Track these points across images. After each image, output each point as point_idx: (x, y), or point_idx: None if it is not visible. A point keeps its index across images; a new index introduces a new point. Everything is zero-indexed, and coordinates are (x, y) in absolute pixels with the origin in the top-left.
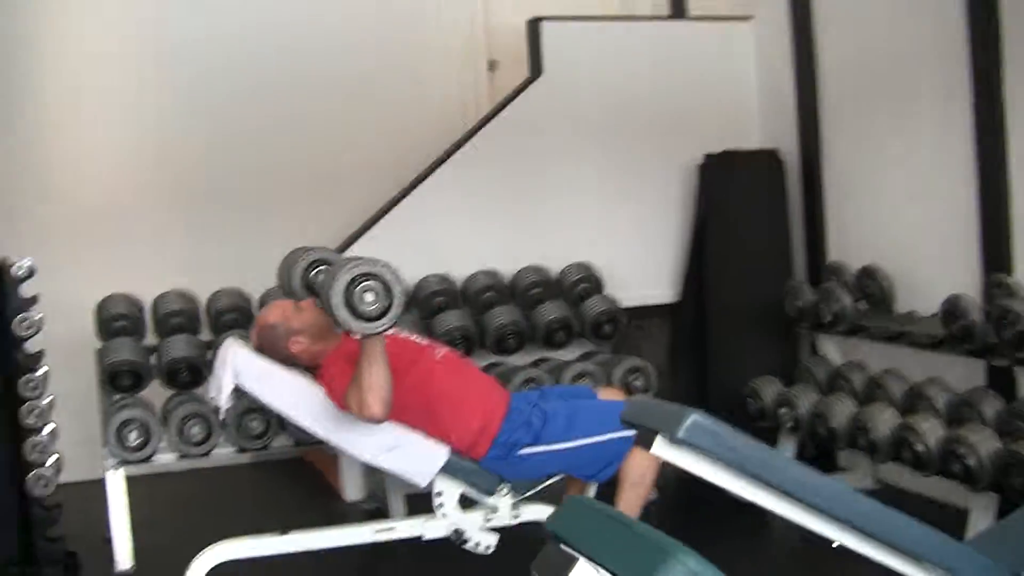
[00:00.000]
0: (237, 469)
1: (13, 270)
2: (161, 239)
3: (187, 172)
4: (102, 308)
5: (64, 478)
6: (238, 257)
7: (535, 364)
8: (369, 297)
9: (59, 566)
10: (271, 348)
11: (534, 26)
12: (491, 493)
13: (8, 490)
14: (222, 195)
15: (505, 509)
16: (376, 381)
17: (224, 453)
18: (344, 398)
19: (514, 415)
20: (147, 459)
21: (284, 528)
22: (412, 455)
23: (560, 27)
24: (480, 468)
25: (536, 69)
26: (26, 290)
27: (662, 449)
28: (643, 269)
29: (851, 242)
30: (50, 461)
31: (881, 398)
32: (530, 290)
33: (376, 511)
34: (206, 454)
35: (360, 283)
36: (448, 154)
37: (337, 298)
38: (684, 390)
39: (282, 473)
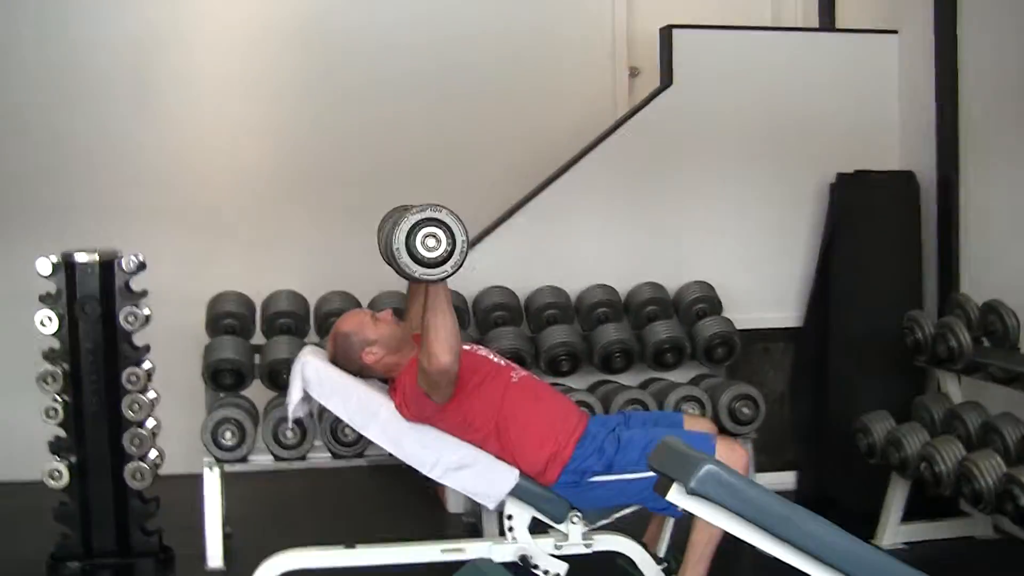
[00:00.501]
0: (345, 471)
1: (124, 263)
2: (282, 237)
3: (310, 170)
4: (213, 305)
5: (172, 471)
6: (356, 260)
7: (643, 385)
8: (431, 243)
9: (153, 559)
10: (345, 358)
11: (666, 34)
12: (561, 520)
13: (106, 481)
14: (345, 195)
15: (576, 537)
16: (443, 331)
17: (320, 457)
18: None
19: (588, 441)
20: (242, 459)
21: (351, 542)
22: (480, 476)
23: (693, 35)
24: (551, 494)
25: (667, 78)
26: (135, 283)
27: (677, 497)
28: (769, 290)
29: (984, 275)
30: (152, 454)
31: (993, 443)
32: (644, 307)
33: (472, 527)
34: (301, 458)
35: (422, 229)
36: (573, 162)
37: (399, 244)
38: (799, 420)
39: (389, 477)
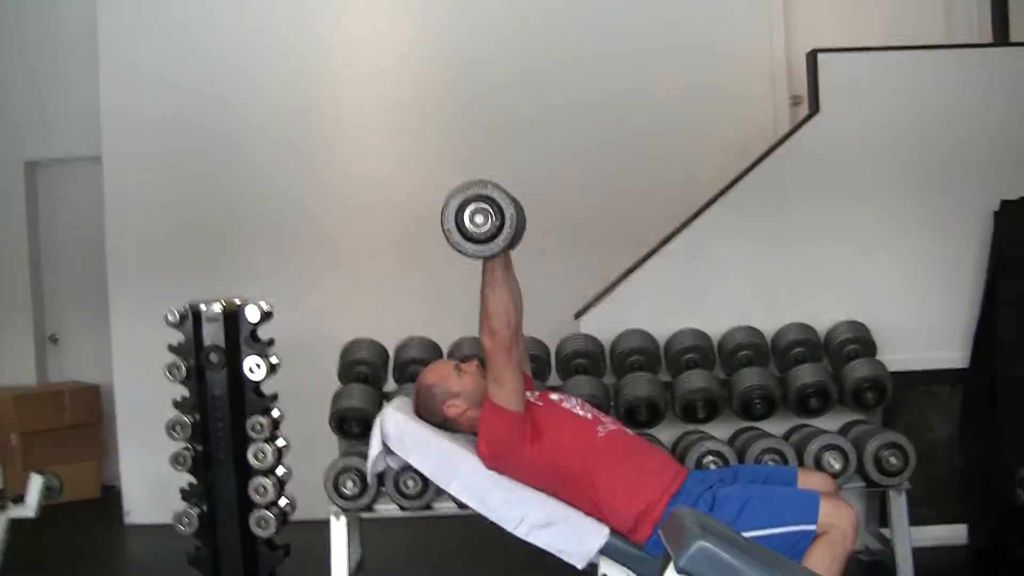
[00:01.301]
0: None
1: (248, 312)
2: (421, 282)
3: None
4: (345, 352)
5: (311, 516)
6: None
7: (787, 434)
8: (479, 219)
9: None
10: (428, 411)
11: (811, 59)
12: None
13: (234, 529)
14: None
15: None
16: (500, 305)
17: (444, 507)
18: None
19: (682, 498)
20: (366, 508)
21: None
22: (568, 533)
23: (840, 59)
24: (643, 553)
25: (814, 104)
26: (264, 332)
27: (671, 574)
28: (929, 327)
29: None
30: (282, 502)
31: None
32: (791, 349)
33: None
34: (426, 507)
35: (469, 206)
36: (718, 195)
37: (449, 224)
38: (968, 469)
39: None
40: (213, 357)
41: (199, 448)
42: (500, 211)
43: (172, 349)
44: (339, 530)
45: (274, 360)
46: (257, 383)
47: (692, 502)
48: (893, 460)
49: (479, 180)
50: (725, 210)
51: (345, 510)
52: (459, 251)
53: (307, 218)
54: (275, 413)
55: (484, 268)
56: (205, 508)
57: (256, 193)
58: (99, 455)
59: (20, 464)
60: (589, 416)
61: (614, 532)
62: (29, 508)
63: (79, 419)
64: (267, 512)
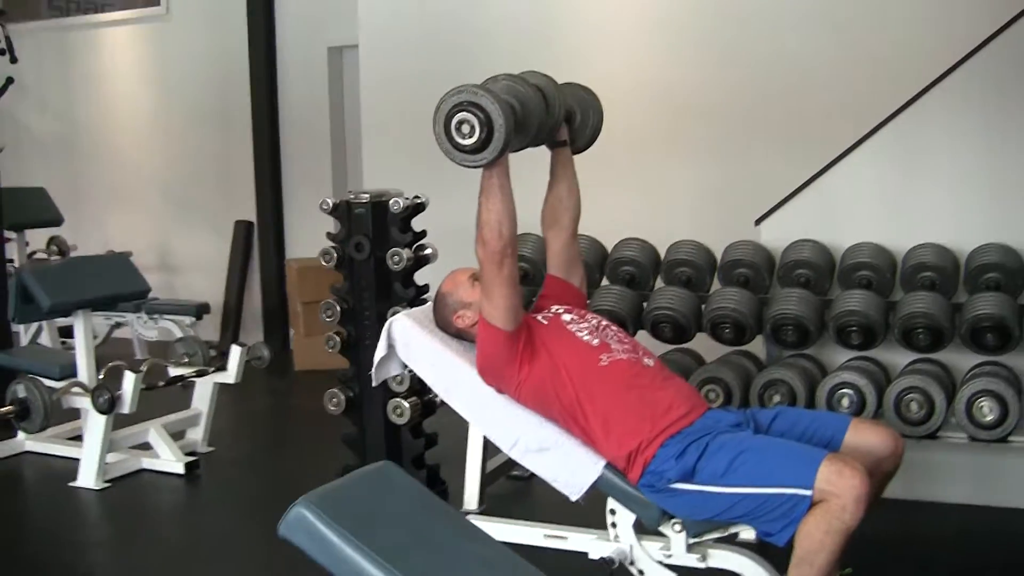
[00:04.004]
0: None
1: (393, 204)
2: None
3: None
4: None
5: None
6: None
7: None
8: (465, 129)
9: None
10: (442, 320)
11: None
12: (654, 525)
13: (378, 415)
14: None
15: (679, 548)
16: (492, 215)
17: None
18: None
19: (677, 440)
20: None
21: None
22: (562, 462)
23: None
24: (638, 493)
25: None
26: (418, 223)
27: None
28: None
29: None
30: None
31: None
32: (982, 275)
33: None
34: None
35: (457, 114)
36: (931, 84)
37: (439, 130)
38: None
39: None
40: (360, 246)
41: (350, 332)
42: (489, 121)
43: (329, 236)
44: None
45: (427, 251)
46: (402, 273)
47: (682, 448)
48: (985, 408)
49: (475, 85)
50: (937, 102)
51: None
52: (449, 158)
53: None
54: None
55: (482, 174)
56: (354, 392)
57: None
58: None
59: (303, 330)
60: (595, 342)
61: (610, 466)
62: (230, 375)
63: None
64: (403, 401)
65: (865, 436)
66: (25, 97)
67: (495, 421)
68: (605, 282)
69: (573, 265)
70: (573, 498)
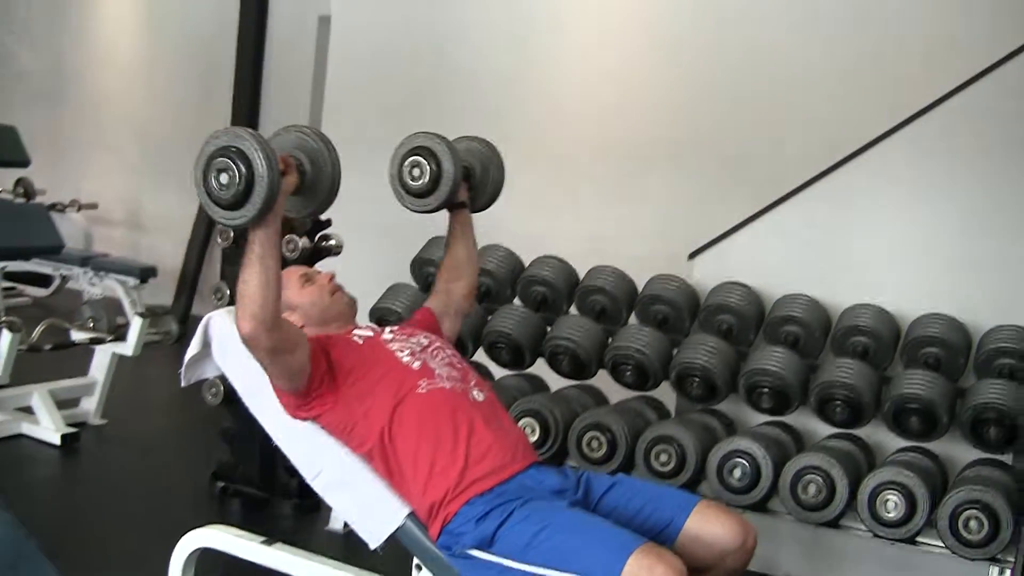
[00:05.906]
0: None
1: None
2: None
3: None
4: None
5: None
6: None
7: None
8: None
9: (291, 501)
10: None
11: None
12: None
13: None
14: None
15: None
16: (249, 287)
17: None
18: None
19: (484, 500)
20: None
21: (270, 539)
22: (361, 504)
23: None
24: (439, 554)
25: None
26: None
27: None
28: None
29: None
30: None
31: None
32: (923, 347)
33: None
34: None
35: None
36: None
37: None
38: None
39: None
40: None
41: None
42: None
43: None
44: None
45: (331, 242)
46: (296, 262)
47: (486, 510)
48: (972, 524)
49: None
50: (898, 145)
51: None
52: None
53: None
54: None
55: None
56: None
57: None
58: None
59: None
60: (416, 364)
61: (414, 516)
62: (128, 346)
63: None
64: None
65: (710, 524)
66: (11, 32)
67: (300, 448)
68: (517, 301)
69: (453, 319)
70: (372, 546)
